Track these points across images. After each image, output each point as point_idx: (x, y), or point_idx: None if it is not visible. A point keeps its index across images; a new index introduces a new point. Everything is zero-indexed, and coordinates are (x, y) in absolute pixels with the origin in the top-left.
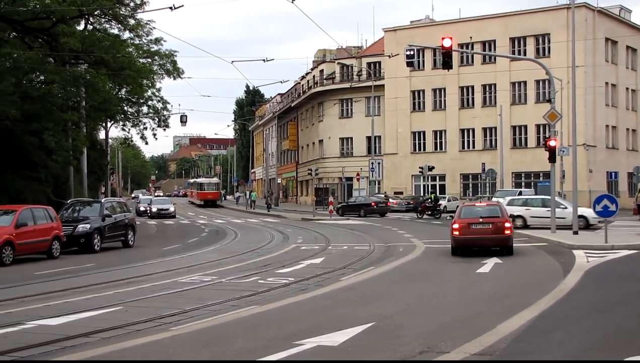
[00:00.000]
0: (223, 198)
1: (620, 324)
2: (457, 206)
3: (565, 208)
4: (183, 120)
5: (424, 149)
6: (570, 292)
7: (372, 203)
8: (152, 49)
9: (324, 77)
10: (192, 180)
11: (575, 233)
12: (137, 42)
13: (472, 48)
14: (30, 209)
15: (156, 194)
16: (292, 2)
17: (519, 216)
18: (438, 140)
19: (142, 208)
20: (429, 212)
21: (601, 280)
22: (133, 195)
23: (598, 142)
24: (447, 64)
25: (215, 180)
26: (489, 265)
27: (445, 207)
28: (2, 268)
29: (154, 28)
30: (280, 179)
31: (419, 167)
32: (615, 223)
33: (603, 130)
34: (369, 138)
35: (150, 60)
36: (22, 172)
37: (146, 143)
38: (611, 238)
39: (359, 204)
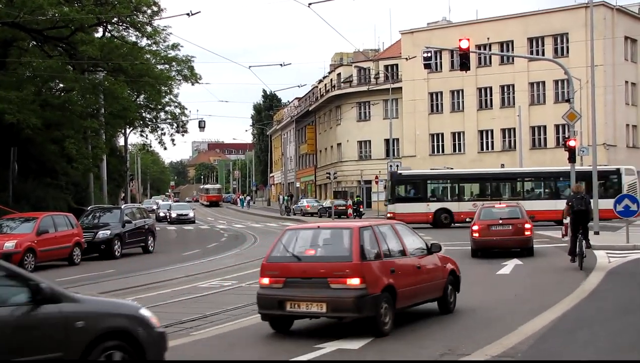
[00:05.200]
0: (247, 201)
1: None
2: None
3: None
4: (201, 125)
5: (443, 151)
6: (593, 293)
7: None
8: (169, 55)
9: (341, 80)
10: (201, 186)
11: (596, 233)
12: (154, 48)
13: (490, 49)
14: (51, 216)
15: (163, 200)
16: (309, 6)
17: None
18: (456, 142)
19: (161, 214)
20: (355, 214)
21: (623, 280)
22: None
23: (618, 141)
24: (464, 66)
25: (217, 186)
26: (509, 266)
27: None
28: None
29: (171, 34)
30: (298, 183)
31: None
32: (637, 223)
33: (623, 129)
34: (387, 141)
35: (167, 66)
36: (43, 179)
37: (165, 149)
38: (633, 238)
39: (325, 207)
